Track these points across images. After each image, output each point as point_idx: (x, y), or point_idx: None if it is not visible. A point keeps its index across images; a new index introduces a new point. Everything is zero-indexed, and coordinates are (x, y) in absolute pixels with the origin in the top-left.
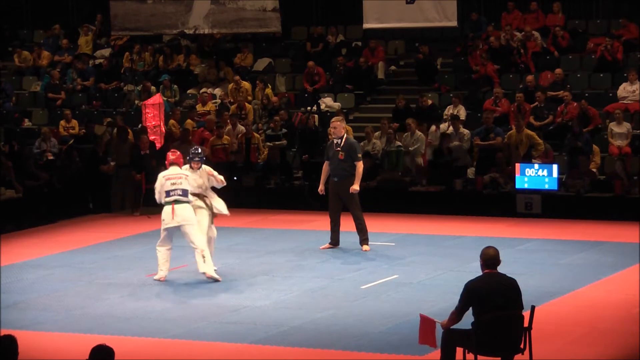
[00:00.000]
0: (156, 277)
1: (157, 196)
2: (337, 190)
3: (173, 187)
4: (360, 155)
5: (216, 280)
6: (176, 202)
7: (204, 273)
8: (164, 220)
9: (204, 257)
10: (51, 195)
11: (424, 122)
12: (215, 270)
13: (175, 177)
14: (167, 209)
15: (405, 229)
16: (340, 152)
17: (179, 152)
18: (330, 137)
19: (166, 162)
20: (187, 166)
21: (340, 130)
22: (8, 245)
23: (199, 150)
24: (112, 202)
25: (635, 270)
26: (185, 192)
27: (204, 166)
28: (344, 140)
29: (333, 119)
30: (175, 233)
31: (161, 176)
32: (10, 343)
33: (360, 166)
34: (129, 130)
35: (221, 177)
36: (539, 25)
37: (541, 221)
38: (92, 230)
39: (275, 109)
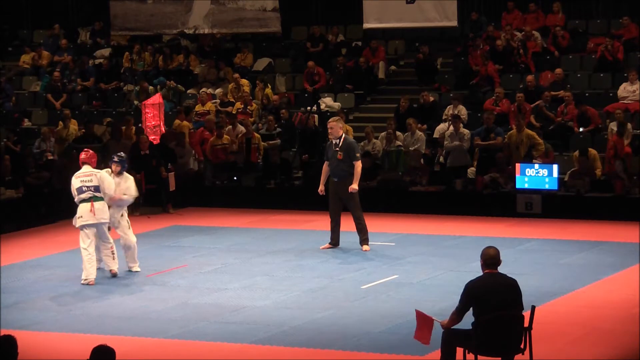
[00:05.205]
0: (84, 280)
1: (74, 197)
2: (337, 190)
3: (84, 184)
4: (358, 155)
5: (114, 276)
6: (93, 198)
7: (110, 270)
8: (81, 217)
9: (113, 253)
10: (51, 195)
11: (426, 120)
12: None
13: (85, 175)
14: (85, 206)
15: (405, 229)
16: (339, 152)
17: (91, 152)
18: (330, 137)
19: (79, 161)
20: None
21: (337, 131)
22: (8, 245)
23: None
24: None
25: (635, 270)
26: (97, 188)
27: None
28: (342, 140)
29: (329, 120)
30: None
31: (73, 177)
32: (10, 343)
33: (358, 166)
34: (123, 129)
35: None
36: (539, 25)
37: (541, 221)
38: None
39: (276, 108)
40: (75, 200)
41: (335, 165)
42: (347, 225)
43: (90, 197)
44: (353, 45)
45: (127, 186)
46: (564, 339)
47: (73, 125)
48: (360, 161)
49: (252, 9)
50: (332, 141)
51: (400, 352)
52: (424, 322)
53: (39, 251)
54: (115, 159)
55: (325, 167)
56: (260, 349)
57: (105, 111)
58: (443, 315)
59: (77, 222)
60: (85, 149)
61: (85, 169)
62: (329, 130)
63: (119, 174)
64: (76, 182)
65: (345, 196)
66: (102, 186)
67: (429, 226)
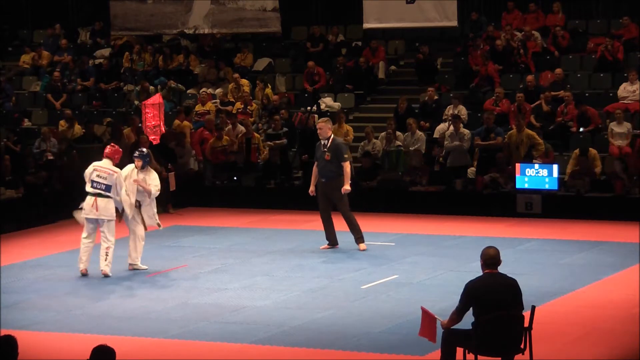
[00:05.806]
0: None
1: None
2: (325, 191)
3: (98, 180)
4: (346, 156)
5: (107, 276)
6: (99, 195)
7: (101, 270)
8: (83, 209)
9: (107, 254)
10: (51, 195)
11: (429, 118)
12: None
13: (104, 170)
14: (89, 200)
15: (405, 229)
16: (327, 153)
17: (116, 147)
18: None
19: (102, 154)
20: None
21: (325, 132)
22: (8, 245)
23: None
24: None
25: (635, 270)
26: (108, 188)
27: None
28: (330, 141)
29: (319, 121)
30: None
31: (92, 166)
32: (10, 343)
33: (347, 166)
34: (128, 129)
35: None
36: (539, 25)
37: (541, 221)
38: None
39: (276, 108)
40: (86, 188)
41: (323, 165)
42: (345, 225)
43: (95, 194)
44: (353, 45)
45: (150, 180)
46: (564, 339)
47: (77, 125)
48: (348, 162)
49: (252, 9)
50: (321, 142)
51: (400, 352)
52: (427, 318)
53: (39, 251)
54: (137, 153)
55: (315, 168)
56: (260, 349)
57: (105, 111)
58: (443, 315)
59: (81, 212)
60: (112, 144)
61: (106, 164)
62: (318, 131)
63: (142, 168)
64: (94, 174)
65: (333, 196)
66: (115, 189)
67: (429, 226)
